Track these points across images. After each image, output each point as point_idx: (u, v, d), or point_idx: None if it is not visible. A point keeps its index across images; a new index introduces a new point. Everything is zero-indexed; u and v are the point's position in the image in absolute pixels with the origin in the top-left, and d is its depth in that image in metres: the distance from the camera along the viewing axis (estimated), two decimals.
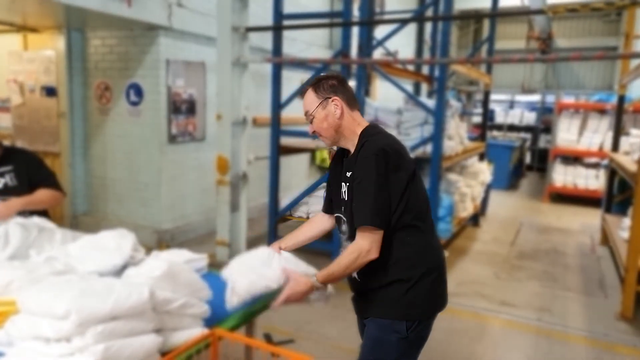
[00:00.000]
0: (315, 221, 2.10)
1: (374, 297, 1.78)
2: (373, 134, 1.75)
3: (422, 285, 1.73)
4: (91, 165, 5.90)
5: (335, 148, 1.94)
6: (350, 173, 1.75)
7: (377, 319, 1.77)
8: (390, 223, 1.68)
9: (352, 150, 1.79)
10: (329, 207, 2.00)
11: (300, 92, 1.87)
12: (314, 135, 1.83)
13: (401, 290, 1.72)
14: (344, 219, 1.82)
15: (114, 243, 1.95)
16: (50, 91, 5.75)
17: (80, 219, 5.86)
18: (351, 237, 1.76)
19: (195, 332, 1.66)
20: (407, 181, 1.69)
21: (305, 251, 2.03)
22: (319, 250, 3.61)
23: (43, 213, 2.54)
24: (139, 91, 5.44)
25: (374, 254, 1.65)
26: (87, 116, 5.83)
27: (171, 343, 1.61)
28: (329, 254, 4.13)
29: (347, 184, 1.77)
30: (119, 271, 1.86)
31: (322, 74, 1.87)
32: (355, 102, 1.82)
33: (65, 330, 1.37)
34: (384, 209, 1.65)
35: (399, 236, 1.71)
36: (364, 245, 1.64)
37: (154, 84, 5.32)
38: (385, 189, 1.64)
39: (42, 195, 2.53)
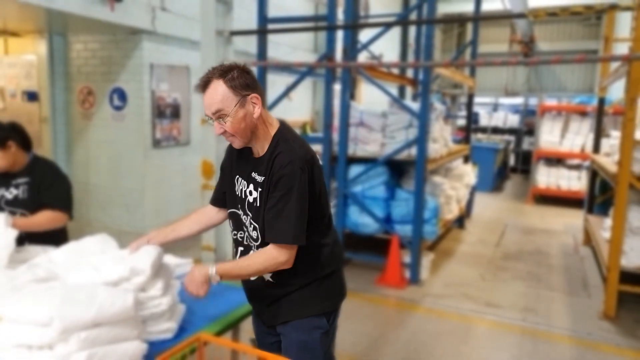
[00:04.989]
0: (203, 214, 1.93)
1: (287, 301, 1.73)
2: (287, 138, 1.64)
3: (332, 280, 1.79)
4: (74, 170, 5.81)
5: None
6: (262, 178, 1.63)
7: (295, 321, 1.72)
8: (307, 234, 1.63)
9: (262, 150, 1.66)
10: (221, 200, 1.85)
11: (202, 85, 1.56)
12: (222, 136, 1.62)
13: (316, 288, 1.74)
14: (253, 223, 1.69)
15: (98, 249, 1.93)
16: (31, 96, 5.66)
17: None
18: (262, 241, 1.68)
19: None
20: (319, 189, 1.66)
21: None
22: None
23: (54, 236, 2.38)
24: (122, 96, 5.38)
25: (288, 266, 1.63)
26: (69, 121, 5.74)
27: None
28: None
29: (259, 188, 1.65)
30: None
31: (227, 64, 1.59)
32: (265, 98, 1.65)
33: (48, 338, 1.36)
34: (304, 225, 1.61)
35: (314, 240, 1.69)
36: (279, 258, 1.60)
37: (137, 89, 5.27)
38: (305, 203, 1.60)
39: (41, 218, 2.39)
